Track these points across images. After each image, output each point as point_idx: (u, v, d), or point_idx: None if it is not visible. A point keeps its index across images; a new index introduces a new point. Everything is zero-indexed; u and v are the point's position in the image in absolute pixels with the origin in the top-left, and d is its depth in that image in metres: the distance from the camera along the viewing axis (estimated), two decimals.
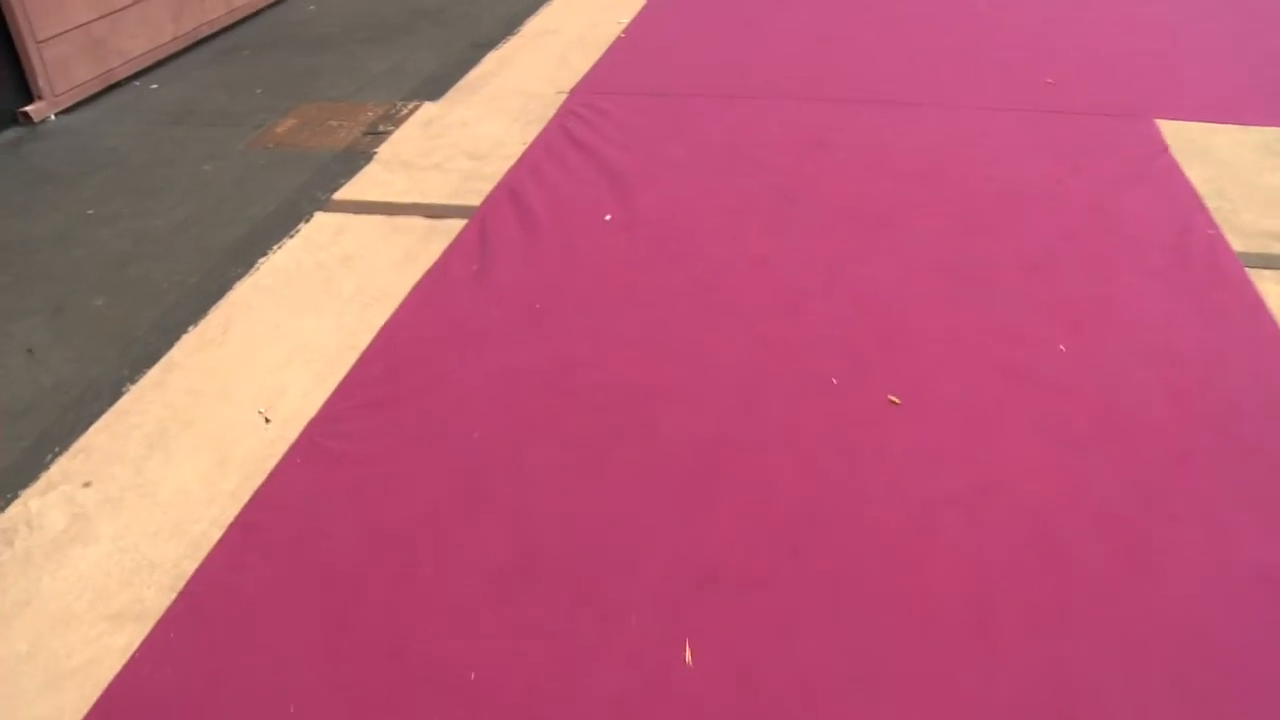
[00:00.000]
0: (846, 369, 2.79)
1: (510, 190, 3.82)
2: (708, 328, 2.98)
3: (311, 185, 4.10)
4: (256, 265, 3.58)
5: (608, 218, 3.60)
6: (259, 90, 5.17)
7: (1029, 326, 2.94)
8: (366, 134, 4.49)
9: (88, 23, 5.16)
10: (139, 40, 5.49)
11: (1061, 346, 2.85)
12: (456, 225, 3.67)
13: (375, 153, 4.31)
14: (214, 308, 3.36)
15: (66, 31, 5.04)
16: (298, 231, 3.75)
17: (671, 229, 3.51)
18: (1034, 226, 3.45)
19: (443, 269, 3.38)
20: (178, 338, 3.23)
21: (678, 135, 4.21)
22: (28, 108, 4.96)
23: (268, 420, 2.82)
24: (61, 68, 5.03)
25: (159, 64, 5.63)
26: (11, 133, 4.88)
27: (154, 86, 5.37)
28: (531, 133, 4.35)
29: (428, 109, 4.70)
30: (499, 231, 3.56)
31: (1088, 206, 3.56)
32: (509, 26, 5.75)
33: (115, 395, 2.95)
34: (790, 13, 5.63)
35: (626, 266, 3.30)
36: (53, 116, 5.03)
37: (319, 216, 3.84)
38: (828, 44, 5.11)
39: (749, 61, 4.96)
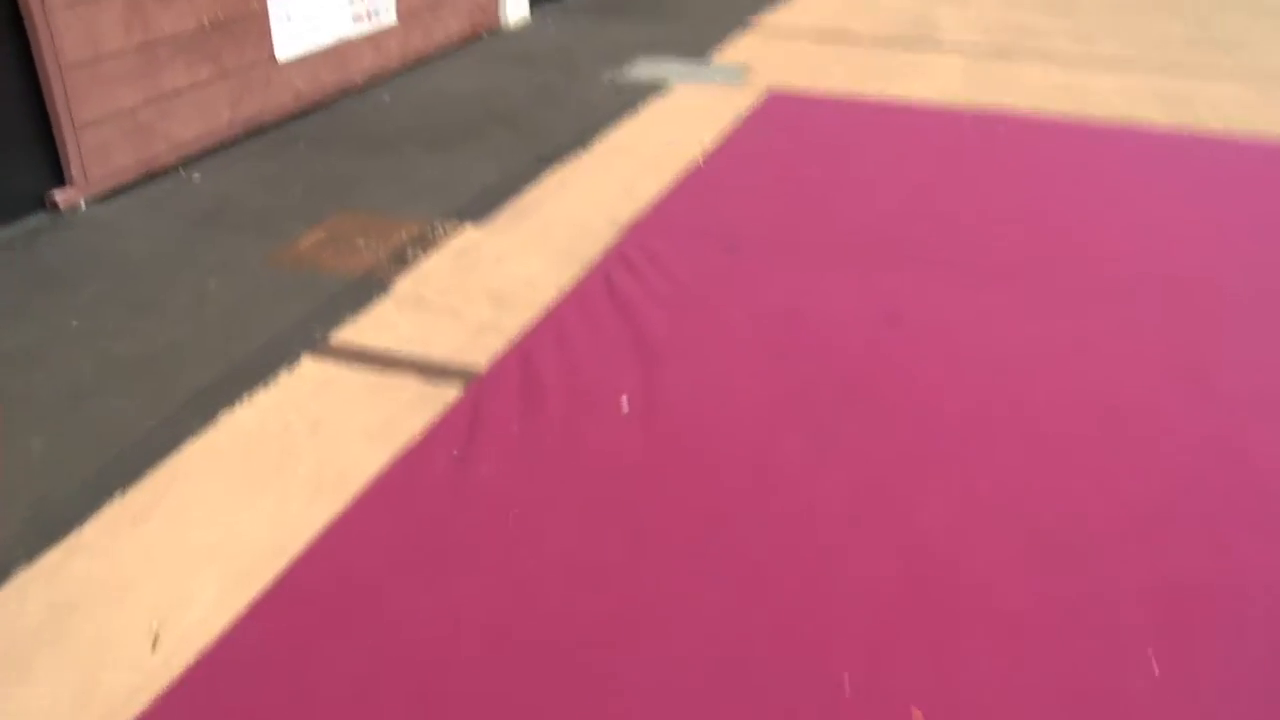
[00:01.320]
0: (865, 666, 2.15)
1: (523, 355, 3.28)
2: (695, 584, 2.37)
3: (312, 319, 3.62)
4: (217, 419, 3.09)
5: (625, 404, 3.02)
6: (300, 191, 4.75)
7: (1122, 628, 2.26)
8: (392, 259, 4.01)
9: (135, 107, 4.82)
10: (190, 127, 5.13)
11: (1156, 667, 2.17)
12: (451, 393, 3.14)
13: (394, 284, 3.82)
14: (153, 471, 2.87)
15: (110, 116, 4.71)
16: (276, 380, 3.26)
17: (693, 428, 2.92)
18: (1142, 469, 2.76)
19: (419, 453, 2.84)
20: (100, 505, 2.76)
21: (730, 296, 3.64)
22: (56, 194, 4.61)
23: (155, 641, 2.29)
24: (100, 153, 4.69)
25: (209, 152, 5.26)
26: (35, 220, 4.54)
27: (196, 177, 5.00)
28: (571, 276, 3.82)
29: (467, 234, 4.22)
30: (495, 409, 3.01)
31: (1211, 443, 2.87)
32: (583, 138, 5.27)
33: None
34: (889, 154, 5.03)
35: (629, 476, 2.72)
36: (83, 205, 4.68)
37: (306, 362, 3.35)
38: (922, 196, 4.50)
39: (829, 207, 4.38)
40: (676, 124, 5.49)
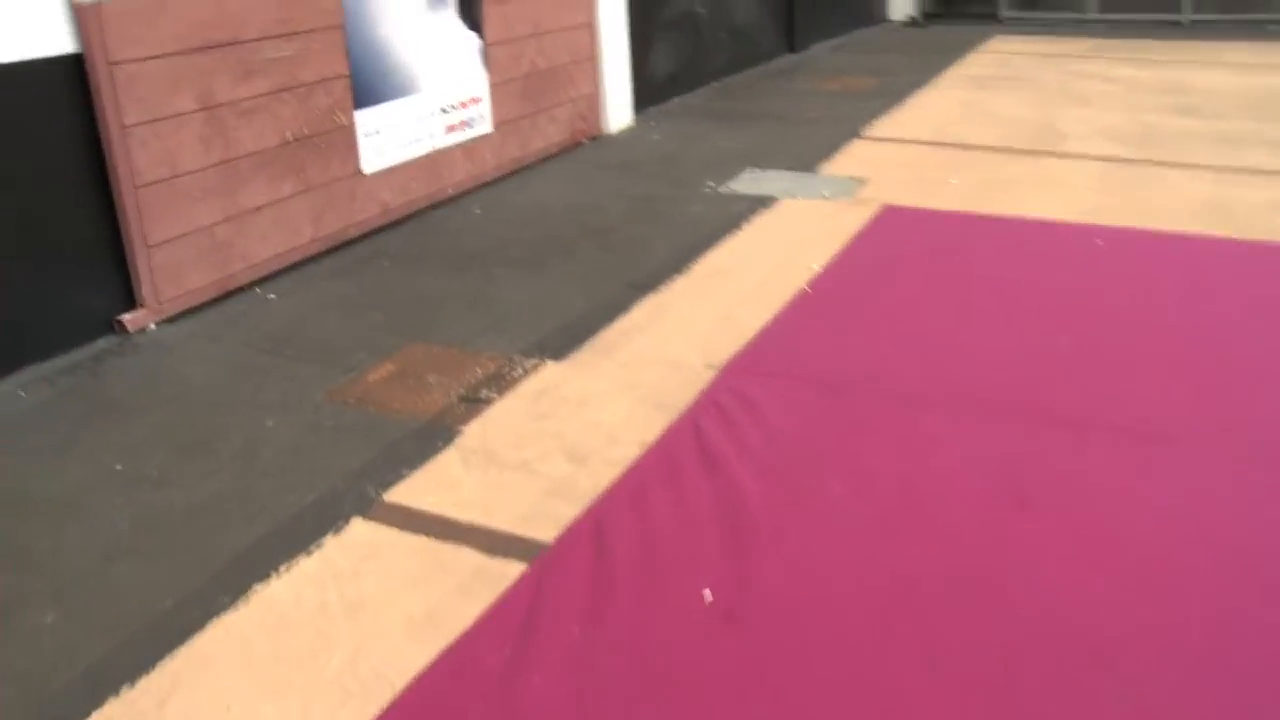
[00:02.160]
0: None
1: (596, 526, 2.87)
2: None
3: (369, 472, 3.27)
4: (249, 594, 2.72)
5: (707, 595, 2.58)
6: (376, 317, 4.46)
7: None
8: (464, 400, 3.66)
9: (211, 225, 4.61)
10: (269, 245, 4.90)
11: None
12: (512, 571, 2.74)
13: (461, 431, 3.46)
14: (169, 658, 2.52)
15: (185, 235, 4.49)
16: (320, 546, 2.90)
17: (786, 630, 2.47)
18: None
19: (465, 652, 2.44)
20: (103, 700, 2.40)
21: (836, 456, 3.19)
22: (125, 316, 4.38)
23: None
24: (171, 273, 4.47)
25: (287, 269, 5.01)
26: (102, 343, 4.34)
27: (271, 297, 4.75)
28: (658, 425, 3.41)
29: (547, 372, 3.85)
30: (559, 597, 2.59)
31: None
32: (681, 260, 4.90)
33: None
34: (1017, 281, 4.57)
35: (705, 694, 2.26)
36: (152, 326, 4.46)
37: (355, 525, 2.99)
38: (1058, 334, 4.01)
39: (949, 345, 3.91)
40: (782, 244, 5.09)
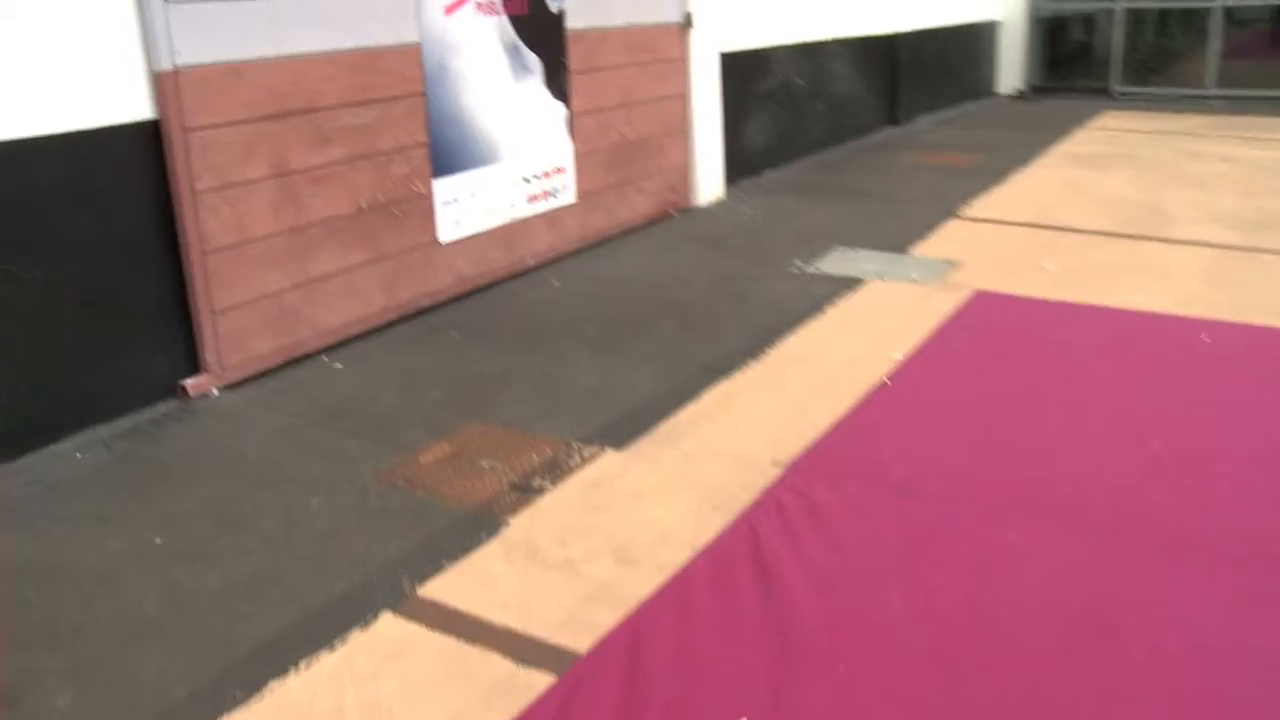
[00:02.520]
0: None
1: (633, 639, 2.67)
2: None
3: (407, 562, 3.12)
4: (264, 690, 2.57)
5: None
6: (438, 392, 4.34)
7: None
8: (515, 488, 3.50)
9: (280, 292, 4.55)
10: (338, 313, 4.83)
11: None
12: (540, 682, 2.54)
13: (508, 523, 3.30)
14: None
15: (252, 302, 4.43)
16: (344, 642, 2.75)
17: None
18: None
19: None
20: None
21: (901, 570, 2.95)
22: (188, 381, 4.33)
23: None
24: (236, 339, 4.41)
25: (356, 338, 4.93)
26: (164, 407, 4.29)
27: (337, 366, 4.67)
28: (714, 526, 3.21)
29: (605, 461, 3.68)
30: (584, 718, 2.38)
31: None
32: (758, 343, 4.71)
33: None
34: (1117, 379, 4.29)
35: None
36: (215, 392, 4.40)
37: (384, 620, 2.83)
38: (1155, 438, 3.72)
39: (1037, 449, 3.65)
40: (865, 331, 4.87)
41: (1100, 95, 13.69)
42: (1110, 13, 13.89)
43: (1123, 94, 13.66)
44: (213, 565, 3.16)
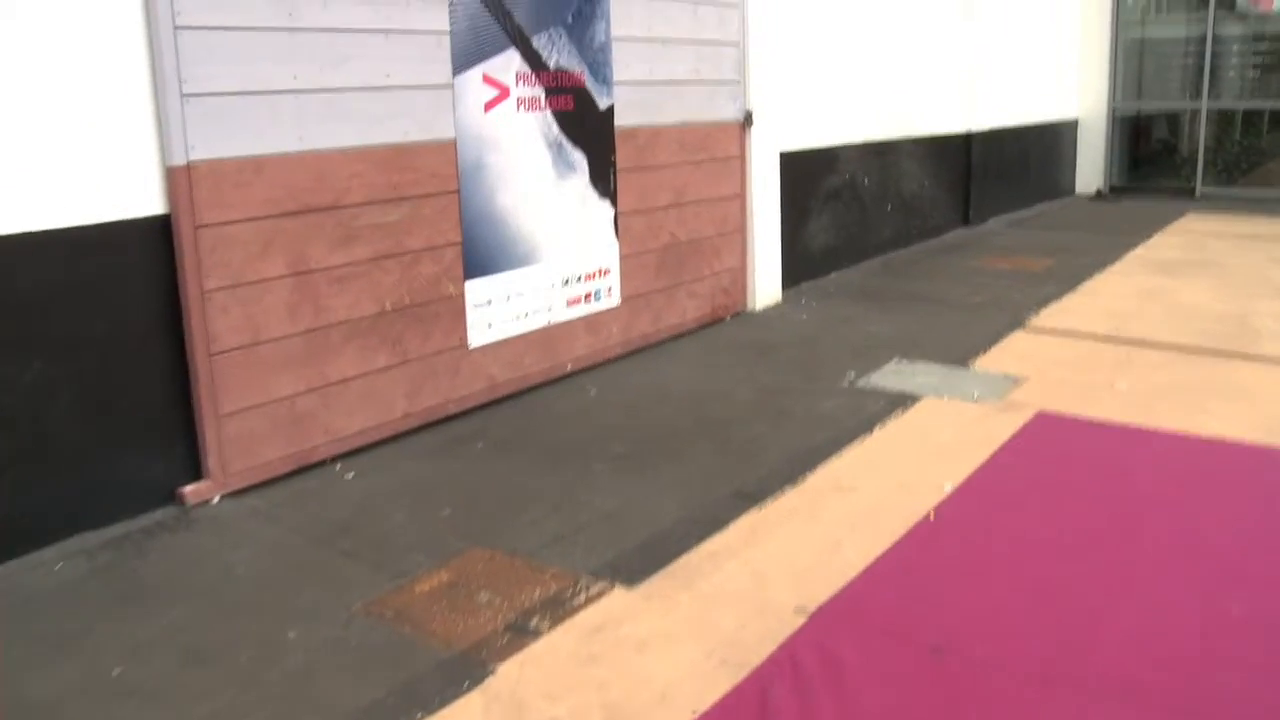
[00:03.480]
0: None
1: None
2: None
3: (377, 712, 2.82)
4: None
5: None
6: (447, 511, 4.07)
7: None
8: (510, 628, 3.18)
9: (292, 396, 4.33)
10: (355, 419, 4.59)
11: None
12: None
13: (495, 670, 2.99)
14: None
15: (261, 405, 4.21)
16: None
17: None
18: None
19: None
20: None
21: None
22: (186, 489, 4.11)
23: None
24: (243, 445, 4.19)
25: (374, 445, 4.69)
26: (160, 514, 4.10)
27: (349, 476, 4.43)
28: (721, 686, 2.87)
29: (612, 601, 3.36)
30: None
31: None
32: (798, 467, 4.37)
33: None
34: (1195, 520, 3.88)
35: None
36: (216, 500, 4.17)
37: None
38: (1238, 605, 3.29)
39: (1096, 604, 3.25)
40: (915, 456, 4.51)
41: (1184, 196, 13.24)
42: (1195, 111, 13.48)
43: (1208, 195, 13.18)
44: (167, 705, 2.89)
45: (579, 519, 4.00)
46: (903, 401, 5.24)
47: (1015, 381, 5.56)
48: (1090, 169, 14.01)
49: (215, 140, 4.01)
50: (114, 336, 3.91)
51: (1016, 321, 6.88)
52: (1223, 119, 13.60)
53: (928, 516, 3.92)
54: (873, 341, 6.42)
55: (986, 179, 11.23)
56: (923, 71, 9.82)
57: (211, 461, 4.17)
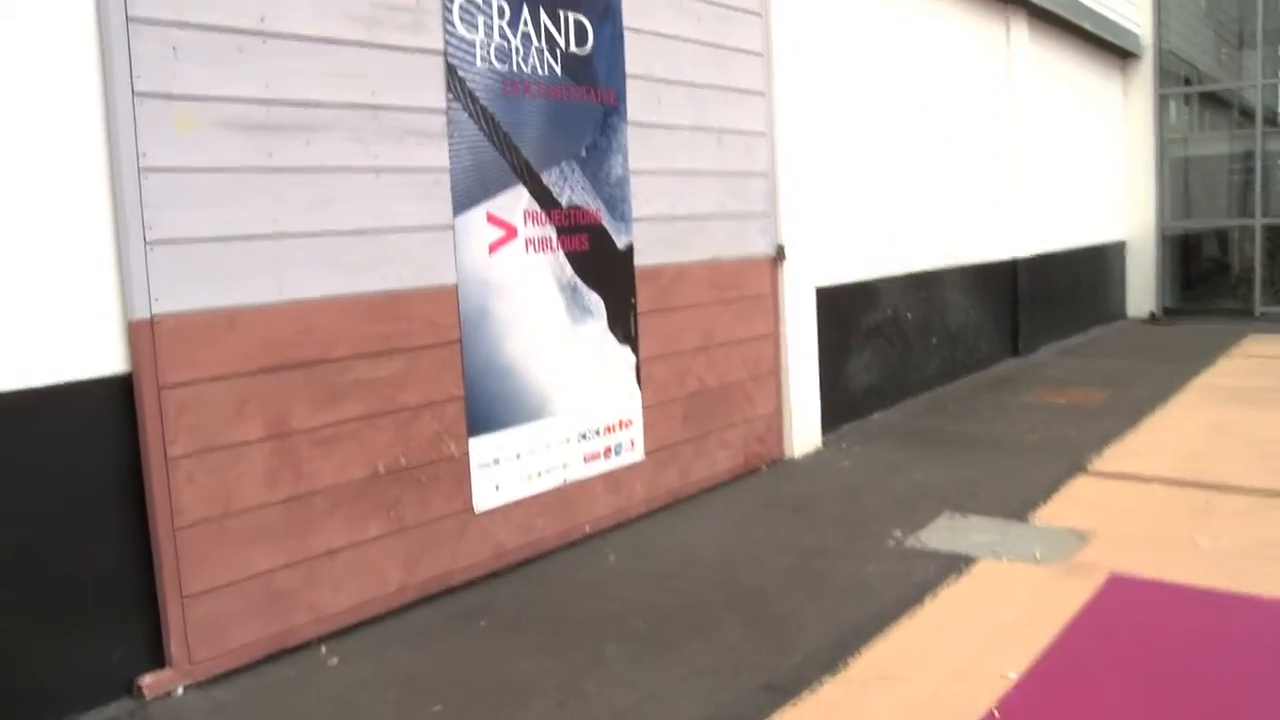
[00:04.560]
0: None
1: None
2: None
3: None
4: None
5: None
6: (437, 707, 3.58)
7: None
8: None
9: (270, 571, 3.89)
10: (344, 594, 4.13)
11: None
12: None
13: None
14: None
15: (233, 583, 3.76)
16: None
17: None
18: None
19: None
20: None
21: None
22: (144, 679, 3.64)
23: None
24: (211, 629, 3.73)
25: (366, 622, 4.19)
26: (113, 709, 3.68)
27: (333, 661, 3.96)
28: None
29: None
30: None
31: None
32: (838, 651, 3.84)
33: None
34: None
35: None
36: (179, 691, 3.70)
37: None
38: None
39: None
40: (971, 633, 3.96)
41: (1242, 317, 12.69)
42: (1247, 228, 13.02)
43: (1267, 315, 12.61)
44: None
45: (586, 713, 3.46)
46: (956, 565, 4.69)
47: (1081, 537, 5.00)
48: (1142, 291, 13.54)
49: (183, 291, 3.64)
50: (67, 508, 3.49)
51: (1077, 464, 6.32)
52: (1276, 235, 13.14)
53: (991, 715, 3.34)
54: (921, 492, 5.88)
55: (1035, 306, 10.76)
56: (964, 198, 9.45)
57: (175, 648, 3.70)
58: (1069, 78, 11.81)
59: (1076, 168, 12.06)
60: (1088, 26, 11.54)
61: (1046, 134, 11.08)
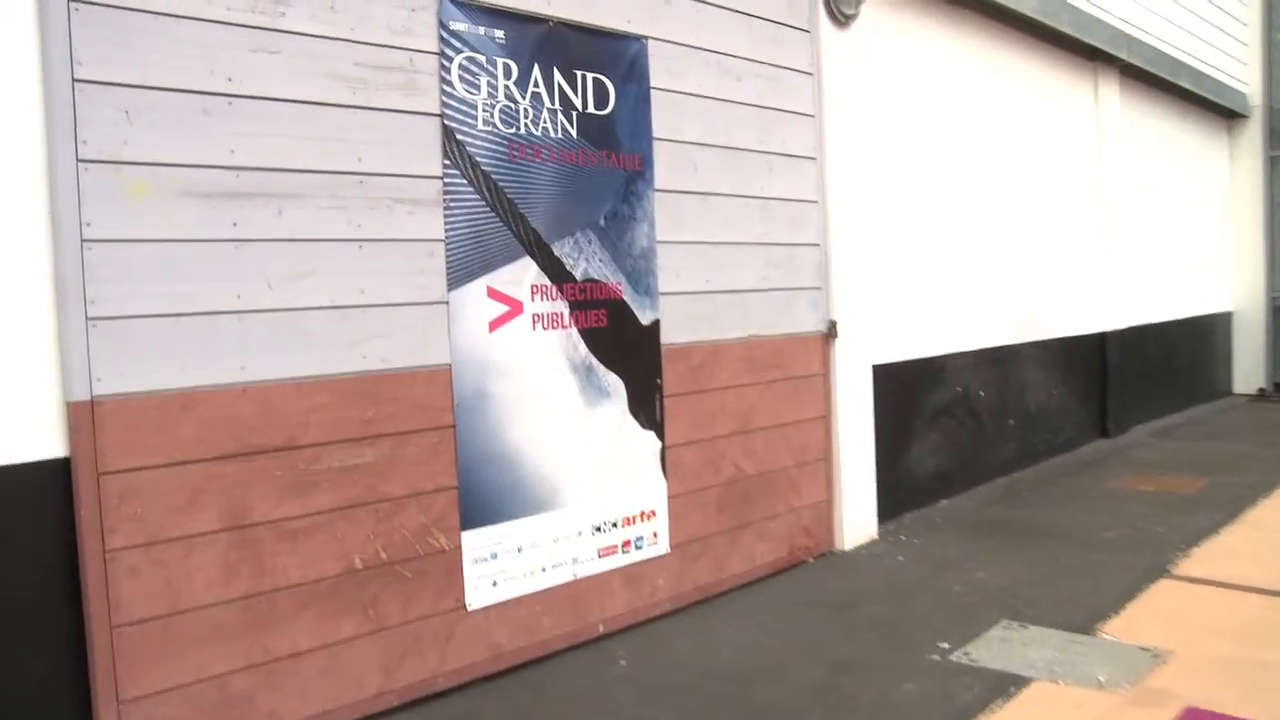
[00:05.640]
0: None
1: None
2: None
3: None
4: None
5: None
6: None
7: None
8: None
9: (224, 675, 3.54)
10: (313, 699, 3.77)
11: None
12: None
13: None
14: None
15: (180, 687, 3.41)
16: None
17: None
18: None
19: None
20: None
21: None
22: None
23: None
24: None
25: None
26: None
27: None
28: None
29: None
30: None
31: None
32: None
33: None
34: None
35: None
36: None
37: None
38: None
39: None
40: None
41: None
42: None
43: None
44: None
45: None
46: (1004, 687, 4.16)
47: (1156, 657, 4.42)
48: (1249, 365, 12.71)
49: (130, 371, 3.35)
50: None
51: (1159, 566, 5.71)
52: None
53: None
54: (978, 594, 5.33)
55: (1126, 383, 10.08)
56: (1046, 267, 8.88)
57: None
58: (1167, 138, 11.18)
59: (1175, 234, 11.37)
60: (1185, 84, 10.91)
61: (1141, 198, 10.44)
